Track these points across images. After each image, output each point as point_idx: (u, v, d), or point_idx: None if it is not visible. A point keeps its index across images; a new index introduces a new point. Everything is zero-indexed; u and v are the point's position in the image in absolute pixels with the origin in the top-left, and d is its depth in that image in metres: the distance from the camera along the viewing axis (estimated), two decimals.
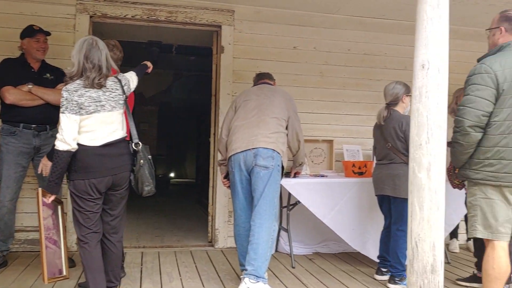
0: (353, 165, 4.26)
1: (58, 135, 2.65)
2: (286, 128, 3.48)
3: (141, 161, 2.99)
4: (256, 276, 3.14)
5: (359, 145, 4.85)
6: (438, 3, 2.34)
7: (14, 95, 3.60)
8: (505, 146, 2.57)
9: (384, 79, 4.91)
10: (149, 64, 3.45)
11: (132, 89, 3.05)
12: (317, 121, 4.85)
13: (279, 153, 3.32)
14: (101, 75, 2.73)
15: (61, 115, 2.66)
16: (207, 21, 4.64)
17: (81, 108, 2.66)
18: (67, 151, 2.63)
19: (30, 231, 4.23)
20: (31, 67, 3.78)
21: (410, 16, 4.81)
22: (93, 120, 2.70)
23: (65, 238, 2.98)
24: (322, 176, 4.33)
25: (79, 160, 2.69)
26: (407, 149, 3.47)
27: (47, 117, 3.69)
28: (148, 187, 3.01)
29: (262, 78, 3.80)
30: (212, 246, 4.69)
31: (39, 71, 3.81)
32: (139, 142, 3.03)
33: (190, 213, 7.10)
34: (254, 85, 3.78)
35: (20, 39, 3.79)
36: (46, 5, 4.32)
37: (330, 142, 4.81)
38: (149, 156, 3.08)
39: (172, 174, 13.29)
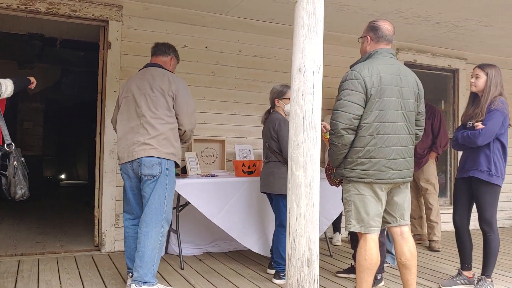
0: (243, 165, 4.34)
1: None
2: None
3: (15, 163, 2.80)
4: (142, 282, 3.10)
5: (250, 145, 4.95)
6: (314, 10, 2.45)
7: None
8: (374, 146, 2.76)
9: (275, 81, 5.08)
10: (33, 79, 3.26)
11: (3, 96, 2.83)
12: (209, 121, 4.86)
13: (165, 158, 3.21)
14: None
15: None
16: (93, 15, 4.42)
17: None
18: None
19: None
20: None
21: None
22: None
23: None
24: (213, 176, 4.34)
25: None
26: (280, 149, 3.65)
27: None
28: (21, 190, 2.86)
29: (153, 54, 3.50)
30: (99, 250, 4.49)
31: None
32: (12, 143, 2.83)
33: (79, 217, 6.71)
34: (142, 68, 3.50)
35: None
36: None
37: (222, 142, 4.85)
38: (22, 159, 2.88)
39: (62, 176, 12.50)
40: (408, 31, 5.30)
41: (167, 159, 3.22)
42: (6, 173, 2.79)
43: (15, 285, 3.43)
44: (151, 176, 3.15)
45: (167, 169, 3.21)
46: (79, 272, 3.81)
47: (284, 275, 3.59)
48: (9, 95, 2.95)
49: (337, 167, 2.96)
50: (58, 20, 4.44)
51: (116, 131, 3.44)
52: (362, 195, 2.84)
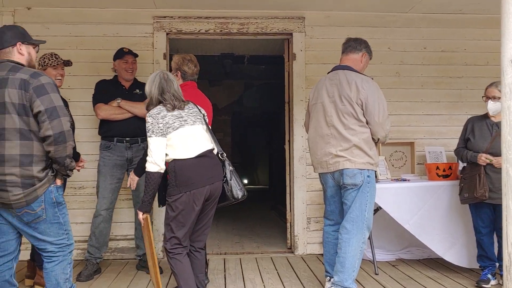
0: (437, 168, 4.09)
1: (148, 158, 2.81)
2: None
3: (230, 167, 3.10)
4: (342, 287, 3.12)
5: (442, 147, 4.64)
6: None
7: (104, 111, 3.90)
8: None
9: (466, 76, 4.71)
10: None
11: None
12: (396, 123, 4.69)
13: (364, 169, 3.16)
14: (180, 102, 2.93)
15: (149, 139, 2.82)
16: (278, 30, 4.69)
17: (167, 127, 2.82)
18: (157, 172, 2.80)
19: (120, 240, 4.48)
20: (122, 85, 4.07)
21: (489, 9, 4.62)
22: (180, 135, 2.84)
23: (152, 247, 3.00)
24: (404, 180, 4.20)
25: (179, 174, 2.81)
26: None
27: (137, 130, 3.93)
28: (241, 192, 3.13)
29: (343, 51, 3.40)
30: (292, 252, 4.70)
31: (129, 88, 4.07)
32: (223, 152, 3.13)
33: (266, 220, 7.16)
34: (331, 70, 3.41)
35: (112, 61, 4.08)
36: (126, 25, 4.58)
37: (411, 144, 4.66)
38: (231, 167, 3.16)
39: (245, 181, 13.50)
40: None
41: (367, 169, 3.17)
42: (226, 178, 3.09)
43: (225, 281, 3.79)
44: (354, 185, 3.15)
45: (368, 176, 3.16)
46: (277, 272, 4.04)
47: None
48: None
49: None
50: (248, 39, 4.82)
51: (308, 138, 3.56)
52: None
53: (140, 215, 2.90)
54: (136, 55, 4.10)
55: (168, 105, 2.88)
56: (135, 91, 4.05)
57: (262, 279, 3.84)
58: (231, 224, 6.66)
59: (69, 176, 2.58)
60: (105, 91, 3.99)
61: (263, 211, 8.34)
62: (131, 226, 4.34)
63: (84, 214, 4.31)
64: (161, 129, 2.81)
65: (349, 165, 3.14)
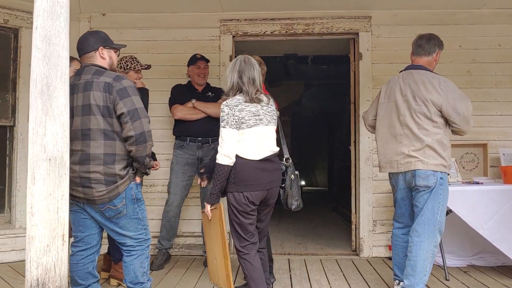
0: None
1: (219, 150, 2.79)
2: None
3: (292, 176, 3.09)
4: None
5: None
6: None
7: (180, 111, 4.09)
8: None
9: None
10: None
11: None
12: None
13: (437, 170, 3.07)
14: (257, 90, 2.87)
15: (222, 129, 2.78)
16: (344, 29, 4.65)
17: (242, 123, 2.78)
18: (228, 165, 2.76)
19: (188, 236, 4.62)
20: (195, 89, 4.26)
21: None
22: (252, 134, 2.81)
23: (224, 239, 2.92)
24: (477, 183, 4.03)
25: (239, 173, 2.78)
26: None
27: (209, 130, 4.09)
28: (297, 202, 3.12)
29: (415, 53, 3.31)
30: (357, 255, 4.64)
31: (203, 92, 4.26)
32: (289, 158, 3.13)
33: (328, 221, 7.10)
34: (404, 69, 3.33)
35: (187, 66, 4.28)
36: (194, 29, 4.72)
37: (484, 145, 4.46)
38: (296, 172, 3.16)
39: (303, 182, 13.45)
40: None
41: (440, 171, 3.08)
42: (284, 185, 3.08)
43: (291, 281, 3.81)
44: (426, 187, 3.06)
45: (441, 178, 3.07)
46: (343, 274, 4.00)
47: None
48: None
49: None
50: (313, 39, 4.81)
51: (368, 128, 3.51)
52: None
53: (208, 208, 2.90)
54: (207, 60, 4.25)
55: (246, 94, 2.82)
56: (208, 94, 4.22)
57: (328, 280, 3.82)
58: (292, 225, 6.67)
59: (147, 174, 2.70)
60: (180, 94, 4.18)
61: (323, 213, 8.28)
62: (198, 223, 4.47)
63: (154, 211, 4.47)
64: (235, 122, 2.75)
65: (421, 166, 3.07)
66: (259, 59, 3.66)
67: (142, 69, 3.74)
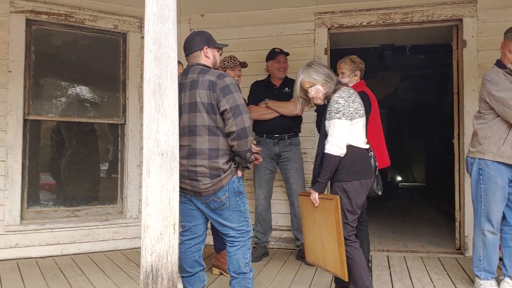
0: None
1: (331, 140, 2.80)
2: None
3: (376, 163, 3.07)
4: None
5: None
6: None
7: (254, 113, 4.20)
8: None
9: None
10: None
11: None
12: None
13: None
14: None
15: (336, 121, 2.79)
16: (445, 16, 4.40)
17: (356, 113, 2.83)
18: (339, 156, 2.80)
19: (284, 230, 4.68)
20: (273, 84, 4.34)
21: None
22: (361, 124, 2.88)
23: (340, 234, 2.82)
24: None
25: (355, 162, 2.83)
26: None
27: (284, 127, 4.22)
28: (381, 188, 3.20)
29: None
30: (462, 254, 4.40)
31: (280, 87, 4.31)
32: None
33: (427, 219, 6.81)
34: None
35: (266, 62, 4.35)
36: (288, 24, 4.76)
37: None
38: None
39: (399, 178, 12.98)
40: None
41: None
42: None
43: (391, 278, 3.71)
44: None
45: None
46: (447, 273, 3.82)
47: None
48: None
49: None
50: (411, 28, 4.62)
51: None
52: None
53: (316, 196, 2.89)
54: (287, 54, 4.29)
55: (347, 88, 2.90)
56: (284, 90, 4.26)
57: (431, 279, 3.67)
58: (390, 222, 6.48)
59: (248, 168, 2.78)
60: (256, 93, 4.31)
61: (422, 209, 7.95)
62: None
63: (252, 204, 4.59)
64: (350, 113, 2.79)
65: None
66: (357, 59, 3.65)
67: (239, 66, 3.87)
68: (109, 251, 4.55)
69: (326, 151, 2.81)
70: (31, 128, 4.43)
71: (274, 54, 4.28)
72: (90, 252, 4.46)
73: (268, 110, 4.19)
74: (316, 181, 2.90)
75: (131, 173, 4.76)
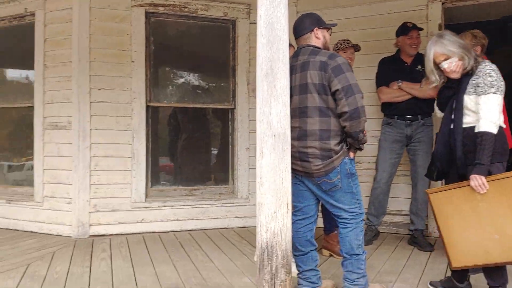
0: None
1: (488, 117, 2.56)
2: None
3: None
4: None
5: None
6: None
7: (386, 95, 4.06)
8: None
9: None
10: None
11: None
12: None
13: None
14: None
15: (491, 96, 2.56)
16: None
17: (503, 89, 2.61)
18: (494, 134, 2.56)
19: (395, 215, 4.56)
20: (404, 62, 4.13)
21: None
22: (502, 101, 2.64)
23: None
24: None
25: (501, 142, 2.64)
26: None
27: (417, 109, 3.99)
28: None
29: None
30: None
31: (411, 65, 4.09)
32: None
33: None
34: None
35: (395, 37, 4.17)
36: (398, 1, 4.55)
37: None
38: None
39: None
40: None
41: None
42: None
43: None
44: None
45: None
46: None
47: None
48: None
49: None
50: None
51: None
52: None
53: (480, 180, 2.58)
54: (420, 29, 4.07)
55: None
56: (417, 68, 4.02)
57: None
58: None
59: (361, 149, 2.75)
60: (386, 72, 4.11)
61: None
62: (406, 201, 4.37)
63: (362, 188, 4.53)
64: (502, 88, 2.59)
65: None
66: (479, 33, 3.40)
67: (352, 49, 3.82)
68: (222, 228, 4.81)
69: (481, 129, 2.57)
70: (152, 114, 4.80)
71: (406, 30, 4.06)
72: (205, 229, 4.75)
73: (401, 92, 4.01)
74: (477, 164, 2.58)
75: (240, 155, 4.95)
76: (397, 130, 4.07)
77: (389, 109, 4.11)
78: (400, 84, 3.99)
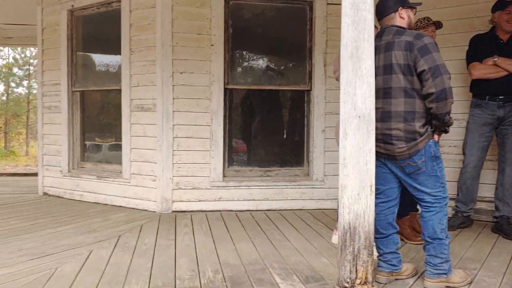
0: None
1: None
2: None
3: None
4: None
5: None
6: None
7: (478, 71, 3.85)
8: None
9: None
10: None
11: None
12: None
13: None
14: None
15: None
16: None
17: None
18: None
19: (478, 201, 4.35)
20: (499, 39, 3.90)
21: None
22: None
23: None
24: None
25: None
26: None
27: (510, 87, 3.77)
28: None
29: None
30: None
31: (508, 42, 3.87)
32: None
33: None
34: None
35: (491, 13, 3.94)
36: None
37: None
38: None
39: None
40: None
41: None
42: None
43: None
44: None
45: None
46: None
47: None
48: None
49: None
50: None
51: None
52: None
53: None
54: None
55: None
56: None
57: None
58: None
59: (447, 132, 2.67)
60: (479, 48, 3.91)
61: None
62: (489, 188, 4.19)
63: (449, 173, 4.39)
64: None
65: None
66: None
67: (433, 26, 3.68)
68: (297, 209, 4.86)
69: None
70: (229, 96, 4.92)
71: (503, 4, 3.82)
72: (280, 210, 4.84)
73: (496, 69, 3.79)
74: None
75: (316, 137, 4.95)
76: (488, 112, 3.88)
77: (479, 88, 3.91)
78: (496, 60, 3.77)
